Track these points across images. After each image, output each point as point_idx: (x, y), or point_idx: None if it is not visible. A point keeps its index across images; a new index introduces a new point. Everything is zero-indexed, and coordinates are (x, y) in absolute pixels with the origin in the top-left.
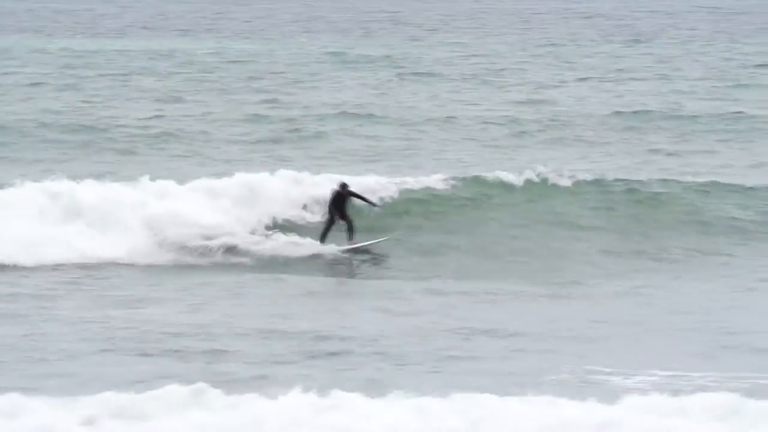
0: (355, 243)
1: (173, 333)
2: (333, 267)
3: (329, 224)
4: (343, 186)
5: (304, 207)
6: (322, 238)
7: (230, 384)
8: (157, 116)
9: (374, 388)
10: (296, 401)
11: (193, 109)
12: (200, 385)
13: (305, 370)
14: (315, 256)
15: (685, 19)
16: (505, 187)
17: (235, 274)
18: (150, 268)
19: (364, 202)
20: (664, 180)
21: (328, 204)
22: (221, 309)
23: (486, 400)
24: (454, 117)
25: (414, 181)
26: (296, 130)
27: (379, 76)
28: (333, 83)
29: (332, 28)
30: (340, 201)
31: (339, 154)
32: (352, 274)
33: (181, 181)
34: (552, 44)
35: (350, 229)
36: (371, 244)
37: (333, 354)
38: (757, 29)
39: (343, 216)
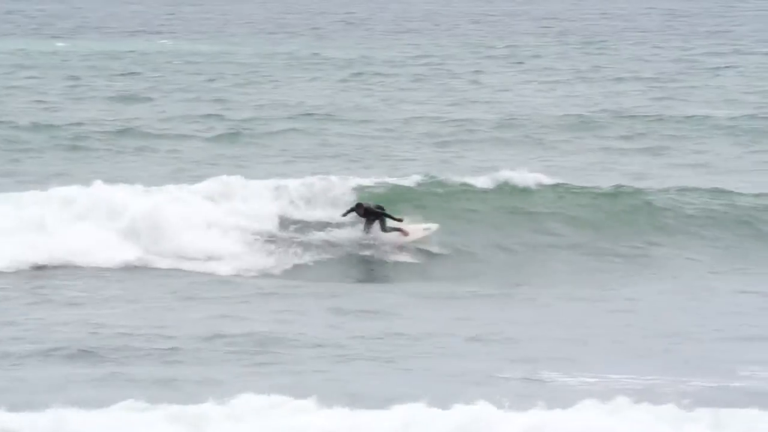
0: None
1: (123, 335)
2: (295, 269)
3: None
4: (359, 206)
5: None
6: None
7: (170, 386)
8: (110, 116)
9: (310, 392)
10: (220, 406)
11: (147, 109)
12: (129, 401)
13: (243, 373)
14: (279, 259)
15: (638, 21)
16: (463, 188)
17: (192, 275)
18: (107, 271)
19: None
20: (619, 182)
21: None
22: (173, 311)
23: (418, 410)
24: (409, 117)
25: (369, 182)
26: (251, 129)
27: (334, 77)
28: (288, 84)
29: (286, 29)
30: (365, 215)
31: (293, 153)
32: (313, 276)
33: (132, 182)
34: (506, 46)
35: (384, 229)
36: (427, 233)
37: (275, 356)
38: (709, 32)
39: (376, 219)
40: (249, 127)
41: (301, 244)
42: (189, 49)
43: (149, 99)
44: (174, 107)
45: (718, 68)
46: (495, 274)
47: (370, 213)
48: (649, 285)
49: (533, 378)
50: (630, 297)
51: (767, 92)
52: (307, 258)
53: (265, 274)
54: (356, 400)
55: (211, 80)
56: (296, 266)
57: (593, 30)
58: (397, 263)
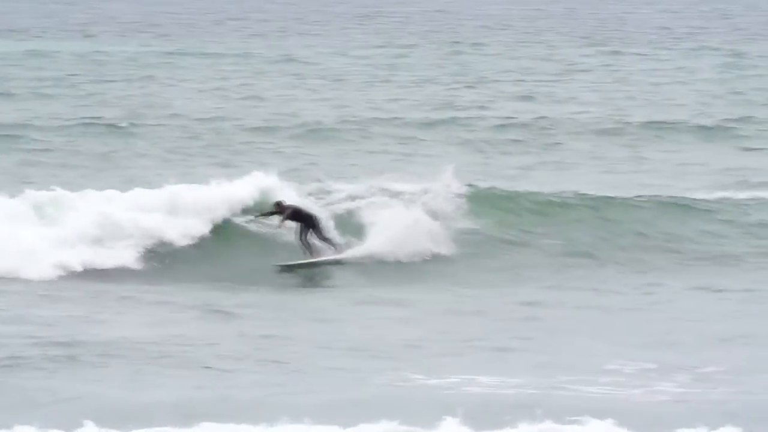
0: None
1: None
2: (162, 271)
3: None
4: (277, 204)
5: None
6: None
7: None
8: None
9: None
10: None
11: (15, 112)
12: None
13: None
14: (143, 261)
15: (510, 21)
16: (345, 194)
17: (88, 280)
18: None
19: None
20: (482, 181)
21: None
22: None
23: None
24: (279, 115)
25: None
26: (121, 128)
27: (204, 75)
28: (157, 83)
29: (157, 29)
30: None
31: (164, 149)
32: (180, 278)
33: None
34: (378, 46)
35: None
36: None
37: (106, 361)
38: (578, 33)
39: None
40: (118, 126)
41: (169, 246)
42: (55, 47)
43: (16, 98)
44: (39, 106)
45: (586, 69)
46: (366, 277)
47: (298, 216)
48: (520, 286)
49: (397, 381)
50: (501, 296)
51: (634, 91)
52: (175, 260)
53: (129, 277)
54: (219, 407)
55: (77, 79)
56: (160, 268)
57: (464, 30)
58: (260, 263)
